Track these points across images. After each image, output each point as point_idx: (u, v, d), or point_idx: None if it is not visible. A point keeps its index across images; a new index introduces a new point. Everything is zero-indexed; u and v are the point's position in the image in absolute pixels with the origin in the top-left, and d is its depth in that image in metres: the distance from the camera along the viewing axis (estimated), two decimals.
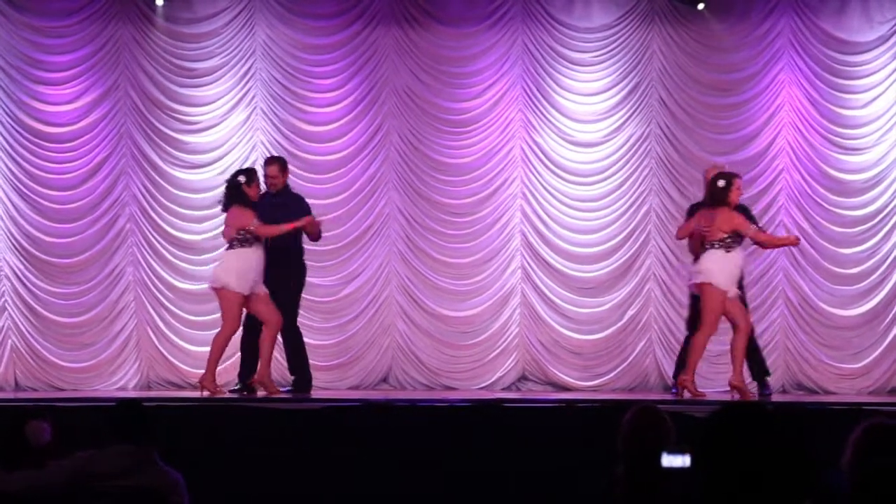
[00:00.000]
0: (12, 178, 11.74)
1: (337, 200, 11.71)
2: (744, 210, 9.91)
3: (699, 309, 9.62)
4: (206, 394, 9.83)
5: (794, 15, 11.72)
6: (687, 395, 9.52)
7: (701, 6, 11.68)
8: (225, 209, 9.89)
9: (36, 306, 11.71)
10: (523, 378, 11.84)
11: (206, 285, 11.54)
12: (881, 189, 11.72)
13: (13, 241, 11.73)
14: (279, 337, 10.20)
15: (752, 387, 10.25)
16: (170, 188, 11.81)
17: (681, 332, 10.87)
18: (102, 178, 11.78)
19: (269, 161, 10.61)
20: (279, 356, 10.66)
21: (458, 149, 11.93)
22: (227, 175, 11.24)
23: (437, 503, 7.62)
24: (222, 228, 10.03)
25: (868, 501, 3.01)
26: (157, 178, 11.82)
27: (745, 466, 2.65)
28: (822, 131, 11.74)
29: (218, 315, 11.43)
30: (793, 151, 11.73)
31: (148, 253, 11.81)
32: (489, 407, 8.87)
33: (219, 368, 11.32)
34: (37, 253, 11.72)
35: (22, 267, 11.72)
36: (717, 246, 9.47)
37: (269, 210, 9.91)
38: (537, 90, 11.88)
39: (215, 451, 7.77)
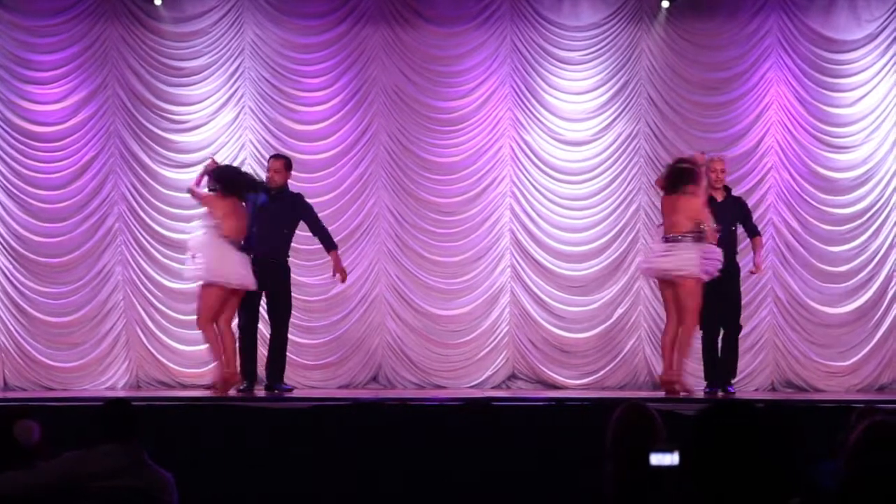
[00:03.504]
0: (0, 177, 11.71)
1: (326, 199, 11.69)
2: None
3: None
4: None
5: (783, 13, 11.74)
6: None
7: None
8: None
9: (25, 306, 11.69)
10: (513, 376, 11.84)
11: (194, 284, 11.53)
12: (869, 187, 11.75)
13: (1, 240, 11.70)
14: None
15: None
16: (158, 187, 11.80)
17: None
18: (91, 178, 11.76)
19: (276, 156, 10.61)
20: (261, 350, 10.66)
21: (447, 147, 11.93)
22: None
23: (426, 502, 7.62)
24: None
25: (859, 499, 3.02)
26: (145, 177, 11.80)
27: (733, 464, 2.65)
28: (810, 129, 11.76)
29: None
30: (781, 150, 11.75)
31: (137, 252, 11.79)
32: (479, 405, 8.87)
33: (206, 369, 11.29)
34: (25, 252, 11.70)
35: (10, 266, 11.69)
36: None
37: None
38: (526, 89, 11.88)
39: (205, 451, 7.77)
